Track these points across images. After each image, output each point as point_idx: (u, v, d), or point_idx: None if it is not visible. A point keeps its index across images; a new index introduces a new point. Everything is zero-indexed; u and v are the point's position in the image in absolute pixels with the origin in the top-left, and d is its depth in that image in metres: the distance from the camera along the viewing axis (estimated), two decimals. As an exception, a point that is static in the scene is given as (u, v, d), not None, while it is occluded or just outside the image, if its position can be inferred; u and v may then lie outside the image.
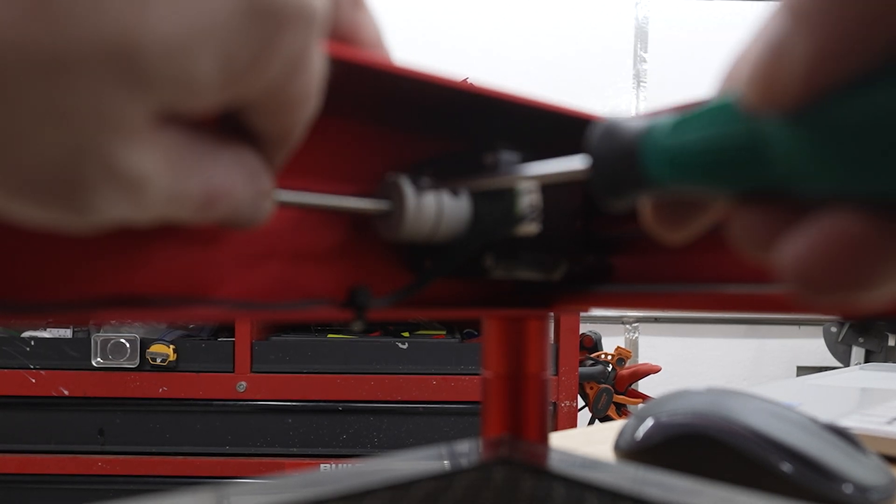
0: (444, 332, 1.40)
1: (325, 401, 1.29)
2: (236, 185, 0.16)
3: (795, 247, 0.13)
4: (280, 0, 0.13)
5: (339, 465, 0.30)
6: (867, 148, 0.11)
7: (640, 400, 1.57)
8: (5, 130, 0.12)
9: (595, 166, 0.17)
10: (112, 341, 1.25)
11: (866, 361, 2.01)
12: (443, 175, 0.24)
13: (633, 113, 0.17)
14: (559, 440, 0.52)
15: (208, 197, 0.15)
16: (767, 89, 0.12)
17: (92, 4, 0.11)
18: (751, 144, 0.14)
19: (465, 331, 1.44)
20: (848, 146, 0.11)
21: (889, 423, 0.47)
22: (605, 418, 1.56)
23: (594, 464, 0.32)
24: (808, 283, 0.12)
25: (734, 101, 0.14)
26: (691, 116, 0.15)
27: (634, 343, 2.50)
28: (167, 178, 0.14)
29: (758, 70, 0.12)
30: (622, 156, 0.16)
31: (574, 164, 0.19)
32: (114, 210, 0.14)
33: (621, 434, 0.42)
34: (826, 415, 0.46)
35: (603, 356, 1.61)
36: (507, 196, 0.24)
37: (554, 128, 0.27)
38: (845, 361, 2.05)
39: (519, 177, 0.22)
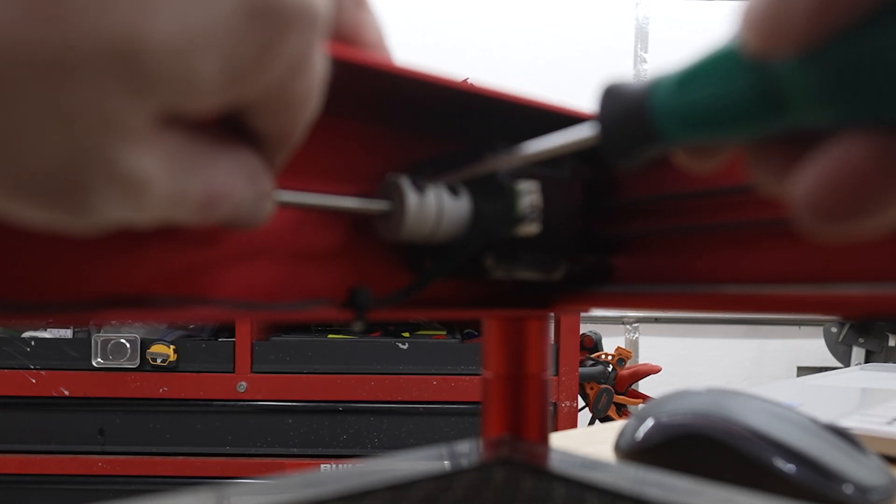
0: (444, 333, 1.40)
1: (325, 401, 1.29)
2: (236, 185, 0.16)
3: (806, 177, 0.13)
4: (283, 2, 0.13)
5: (340, 466, 0.30)
6: (879, 82, 0.12)
7: (641, 400, 1.57)
8: (6, 132, 0.12)
9: (604, 129, 0.16)
10: (112, 341, 1.25)
11: (867, 362, 2.01)
12: (443, 175, 0.24)
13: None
14: (559, 440, 0.52)
15: (209, 198, 0.15)
16: (772, 34, 0.12)
17: (94, 6, 0.11)
18: (761, 94, 0.13)
19: (465, 331, 1.44)
20: (860, 82, 0.12)
21: (889, 423, 0.47)
22: (605, 418, 1.56)
23: (594, 464, 0.32)
24: (820, 211, 0.13)
25: (736, 49, 0.14)
26: (696, 69, 0.15)
27: (635, 343, 2.50)
28: (168, 180, 0.14)
29: (761, 16, 0.12)
30: (630, 115, 0.16)
31: (582, 131, 0.18)
32: (115, 211, 0.14)
33: (621, 434, 0.42)
34: (826, 415, 0.46)
35: (603, 356, 1.61)
36: (508, 196, 0.24)
37: (554, 128, 0.27)
38: (846, 362, 2.05)
39: (530, 154, 0.22)
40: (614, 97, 0.16)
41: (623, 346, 1.72)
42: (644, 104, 0.15)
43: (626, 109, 0.16)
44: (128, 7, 0.12)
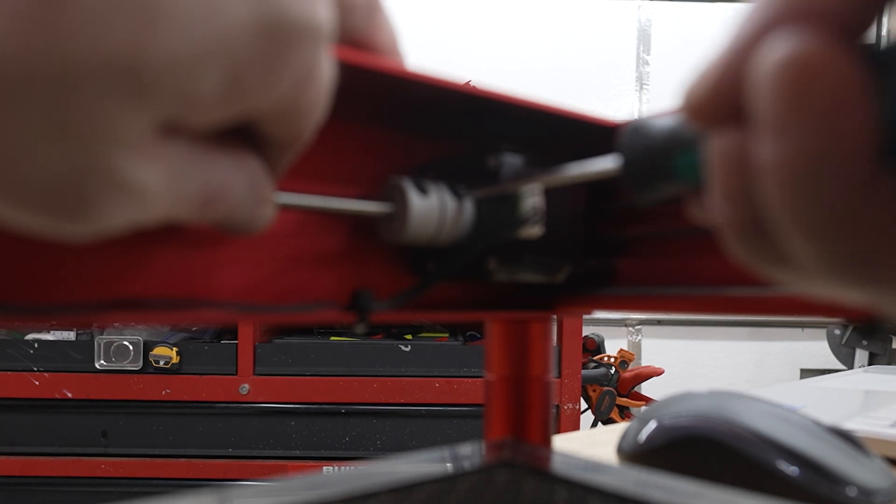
0: (446, 335, 1.40)
1: (327, 403, 1.29)
2: (235, 186, 0.16)
3: None
4: (288, 19, 0.13)
5: (342, 468, 0.30)
6: None
7: (643, 402, 1.57)
8: (9, 144, 0.12)
9: (626, 164, 0.17)
10: (115, 344, 1.26)
11: (870, 364, 2.00)
12: (445, 177, 0.24)
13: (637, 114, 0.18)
14: (562, 443, 0.52)
15: (207, 197, 0.15)
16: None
17: (97, 23, 0.11)
18: None
19: (468, 333, 1.43)
20: None
21: (893, 425, 0.47)
22: (607, 421, 1.56)
23: (597, 466, 0.32)
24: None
25: None
26: None
27: (637, 345, 2.49)
28: (167, 184, 0.14)
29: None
30: (652, 155, 0.17)
31: (605, 163, 0.19)
32: (116, 219, 0.14)
33: (624, 437, 0.42)
34: (829, 417, 0.46)
35: (606, 359, 1.61)
36: (511, 199, 0.24)
37: (556, 130, 0.27)
38: (849, 364, 2.05)
39: (552, 178, 0.22)
40: (639, 135, 0.17)
41: (626, 349, 1.72)
42: (666, 149, 0.16)
43: (647, 149, 0.17)
44: (130, 24, 0.12)
